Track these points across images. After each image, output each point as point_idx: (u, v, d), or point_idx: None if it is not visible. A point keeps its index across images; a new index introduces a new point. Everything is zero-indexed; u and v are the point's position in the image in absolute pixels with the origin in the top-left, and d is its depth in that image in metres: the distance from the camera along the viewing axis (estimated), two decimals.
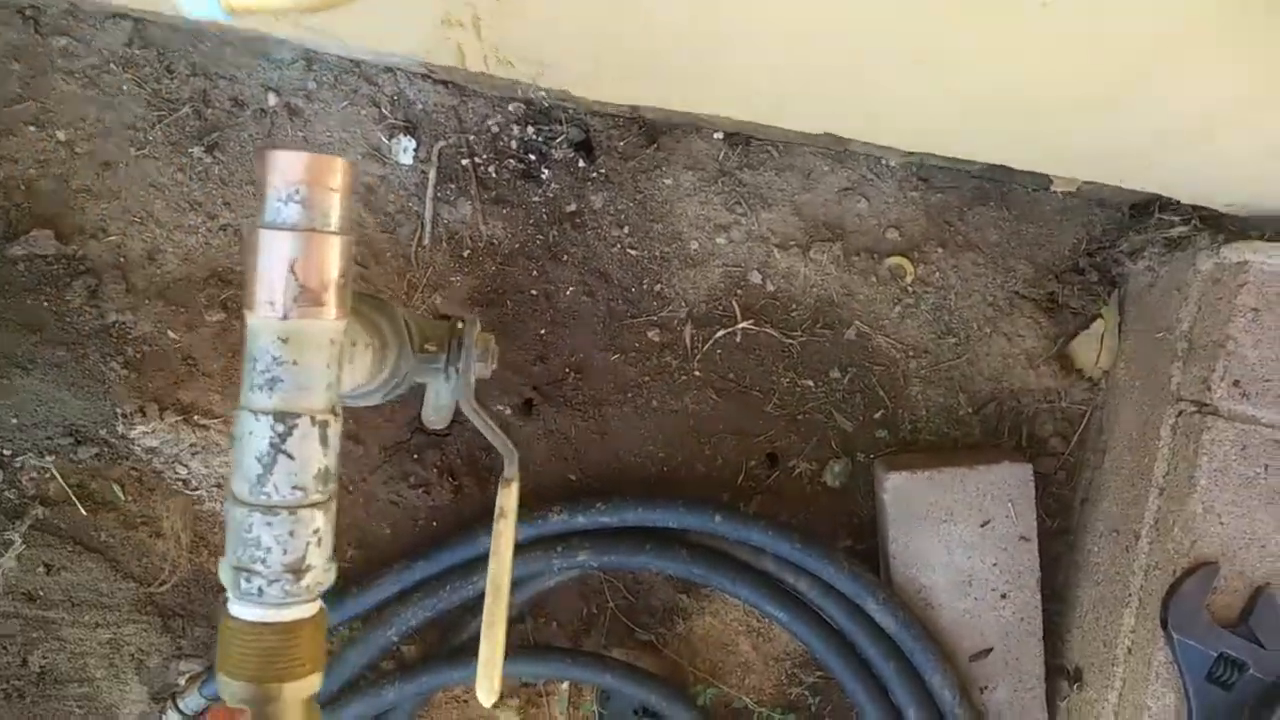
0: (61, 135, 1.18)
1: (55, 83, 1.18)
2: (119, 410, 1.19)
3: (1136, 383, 1.17)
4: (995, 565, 1.18)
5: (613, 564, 1.19)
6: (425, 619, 1.19)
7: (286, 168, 0.56)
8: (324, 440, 0.59)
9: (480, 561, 1.19)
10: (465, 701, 1.28)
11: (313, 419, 0.58)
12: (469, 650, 1.21)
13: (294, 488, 0.58)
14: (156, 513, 1.22)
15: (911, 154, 1.22)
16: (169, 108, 1.19)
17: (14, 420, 1.18)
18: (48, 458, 1.19)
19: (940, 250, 1.27)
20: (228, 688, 0.59)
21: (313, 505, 0.59)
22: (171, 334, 1.20)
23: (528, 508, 1.22)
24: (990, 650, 1.20)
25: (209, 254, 1.20)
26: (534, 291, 1.25)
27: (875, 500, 1.24)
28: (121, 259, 1.19)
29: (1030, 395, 1.27)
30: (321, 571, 0.61)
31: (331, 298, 0.58)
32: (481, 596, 1.19)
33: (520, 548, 1.20)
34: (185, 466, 1.22)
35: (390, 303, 0.76)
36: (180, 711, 1.22)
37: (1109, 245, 1.26)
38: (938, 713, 1.17)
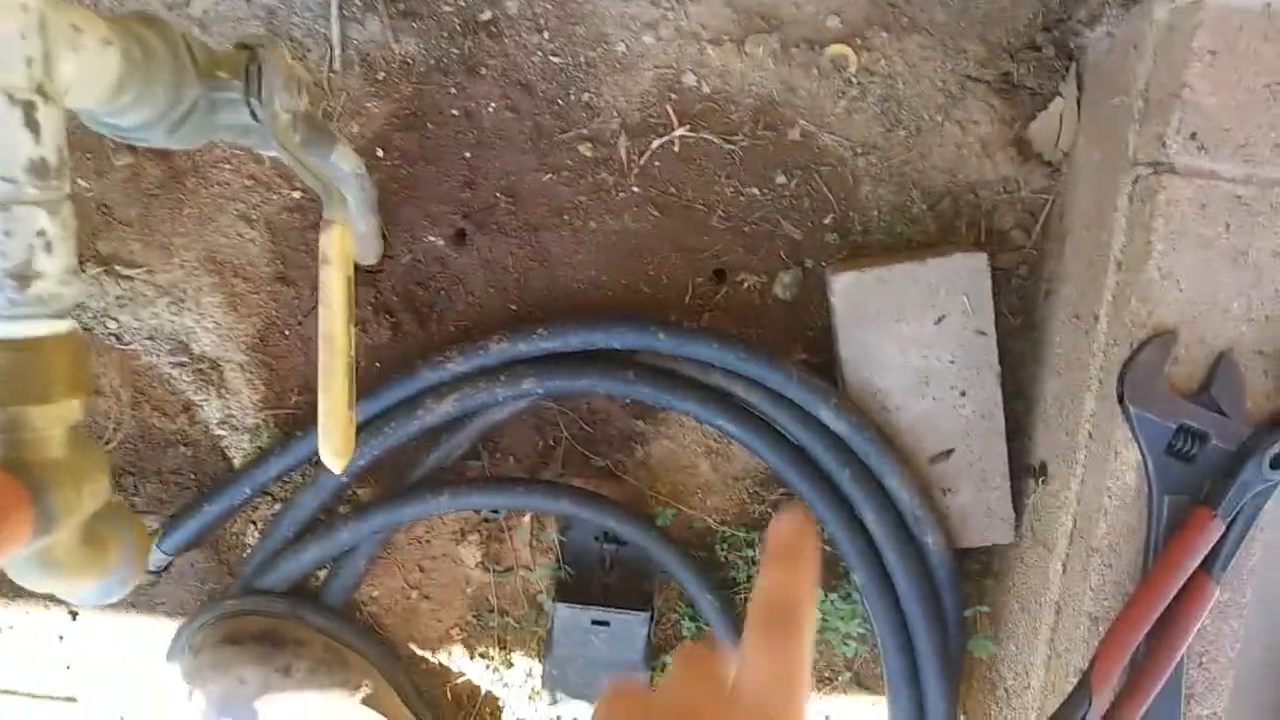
0: None
1: None
2: None
3: (1095, 157, 1.10)
4: (953, 362, 1.14)
5: (558, 389, 1.16)
6: (373, 458, 1.17)
7: None
8: (30, 124, 0.54)
9: (424, 396, 1.17)
10: (427, 541, 1.27)
11: (12, 98, 0.53)
12: (422, 487, 1.20)
13: (2, 178, 0.54)
14: (92, 369, 1.19)
15: None
16: None
17: None
18: None
19: (884, 35, 1.18)
20: None
21: (29, 202, 0.55)
22: (81, 182, 1.15)
23: (467, 339, 1.18)
24: (952, 451, 1.16)
25: None
26: (454, 111, 1.18)
27: (828, 309, 1.19)
28: None
29: (988, 187, 1.20)
30: (56, 281, 0.57)
31: None
32: (431, 430, 1.18)
33: (464, 379, 1.17)
34: (115, 320, 1.18)
35: (166, 20, 0.69)
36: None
37: (1066, 17, 1.16)
38: (897, 515, 1.14)
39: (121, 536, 0.67)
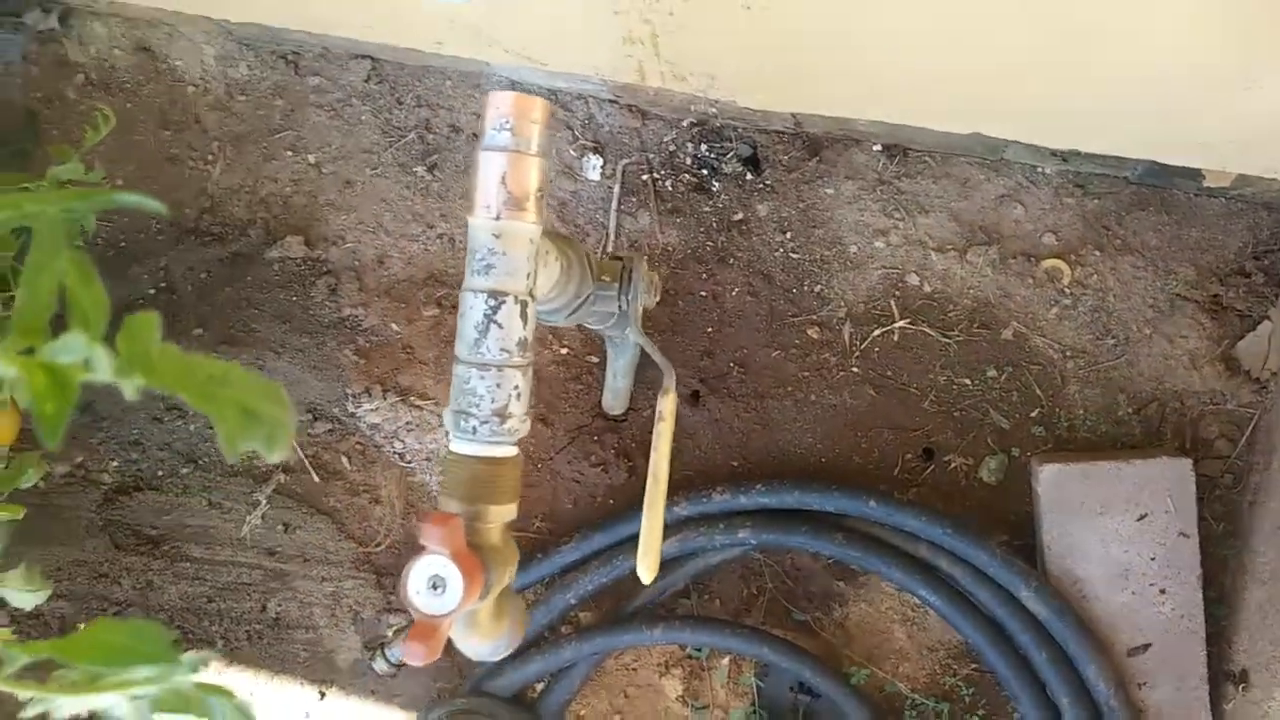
0: (312, 158, 1.41)
1: (308, 114, 1.42)
2: (349, 391, 1.39)
3: None
4: (1153, 560, 1.19)
5: (771, 543, 1.28)
6: (601, 585, 1.32)
7: (500, 103, 0.73)
8: (523, 316, 0.75)
9: None
10: (634, 669, 1.39)
11: (515, 298, 0.74)
12: (639, 618, 1.33)
13: (501, 349, 0.74)
14: (376, 482, 1.41)
15: (1064, 154, 1.28)
16: (398, 134, 1.40)
17: None
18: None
19: (1098, 254, 1.30)
20: (446, 504, 0.75)
21: (514, 366, 0.75)
22: (394, 326, 1.39)
23: (693, 488, 1.33)
24: (1149, 646, 1.20)
25: (428, 259, 1.39)
26: (703, 293, 1.37)
27: (1030, 493, 1.27)
28: (356, 262, 1.40)
29: (1194, 397, 1.28)
30: (518, 421, 0.76)
31: (531, 205, 0.74)
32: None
33: (687, 523, 1.31)
34: (401, 441, 1.40)
35: (576, 240, 0.91)
36: (387, 659, 1.38)
37: (1276, 248, 1.26)
38: (1093, 705, 1.18)
39: (513, 611, 0.83)
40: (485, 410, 0.74)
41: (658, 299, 0.97)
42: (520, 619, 0.80)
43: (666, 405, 0.93)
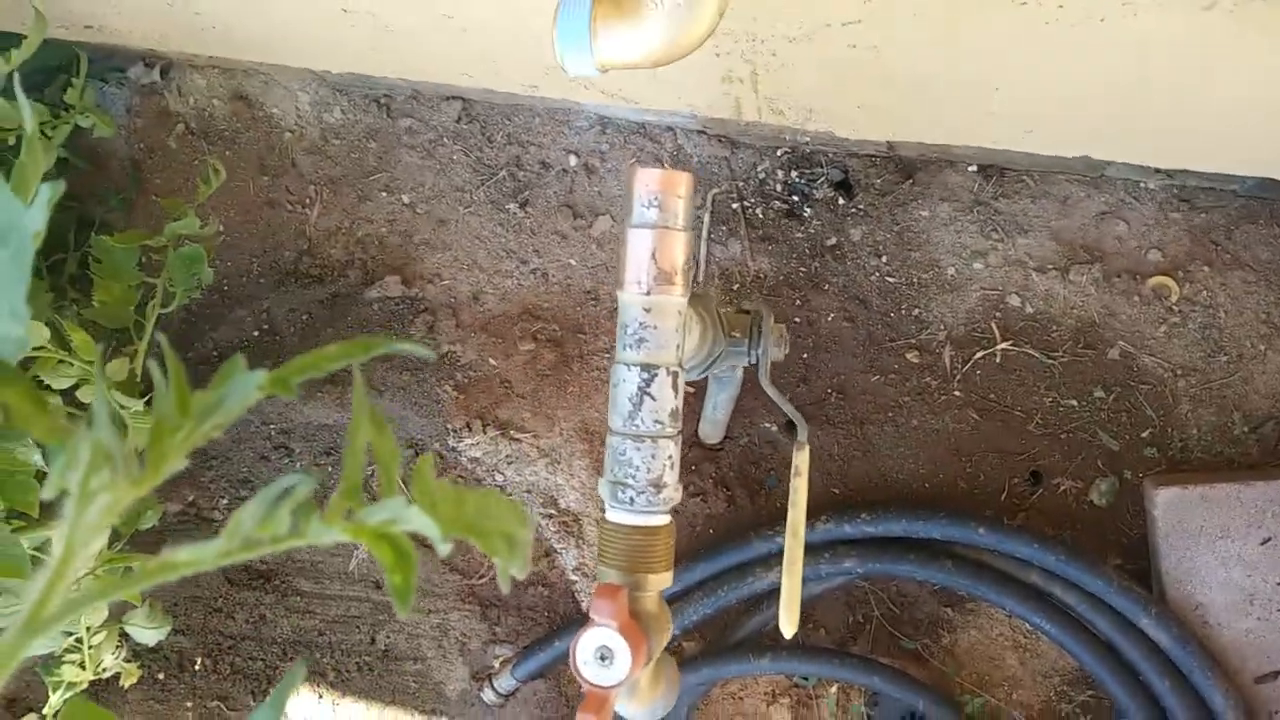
0: (406, 198, 1.44)
1: (401, 156, 1.45)
2: (449, 426, 1.41)
3: None
4: (1279, 585, 1.16)
5: (877, 572, 1.27)
6: (705, 616, 1.32)
7: (648, 180, 0.74)
8: (674, 387, 0.76)
9: (754, 564, 1.31)
10: (740, 698, 1.39)
11: (667, 370, 0.75)
12: (745, 646, 1.33)
13: (655, 421, 0.75)
14: None
15: (1169, 171, 1.25)
16: (489, 172, 1.42)
17: None
18: None
19: (1206, 269, 1.27)
20: (606, 575, 0.77)
21: (667, 437, 0.76)
22: (491, 361, 1.41)
23: None
24: (1278, 674, 1.17)
25: (521, 294, 1.41)
26: (797, 319, 1.36)
27: (1145, 518, 1.25)
28: (452, 299, 1.42)
29: None
30: (673, 489, 0.77)
31: (679, 279, 0.75)
32: (756, 596, 1.32)
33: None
34: (502, 474, 1.42)
35: (710, 297, 0.91)
36: (495, 690, 1.40)
37: None
38: None
39: (668, 674, 0.84)
40: (641, 481, 0.75)
41: (786, 351, 0.97)
42: (674, 681, 0.81)
43: (802, 460, 0.93)
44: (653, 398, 0.75)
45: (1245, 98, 0.94)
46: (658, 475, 0.75)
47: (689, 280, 0.77)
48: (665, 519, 0.77)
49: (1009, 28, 0.84)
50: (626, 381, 0.75)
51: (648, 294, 0.74)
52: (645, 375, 0.75)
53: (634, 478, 0.75)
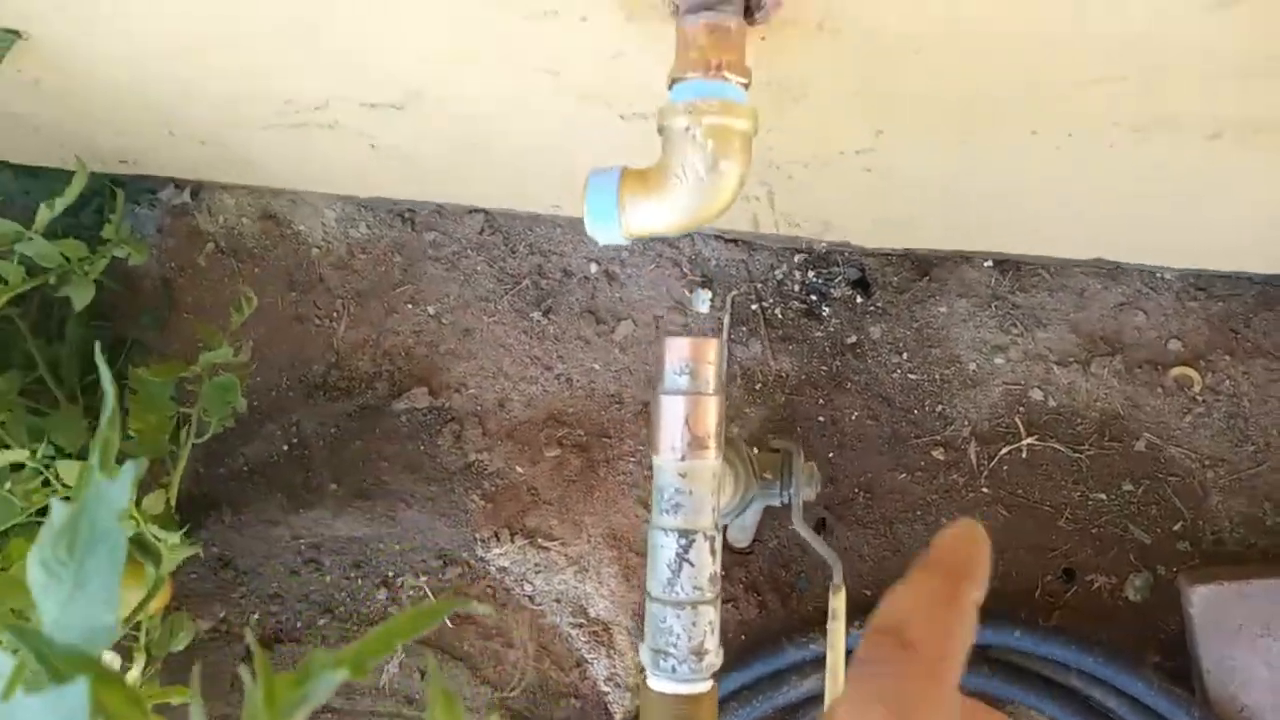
0: (431, 310, 1.47)
1: (426, 268, 1.48)
2: (477, 535, 1.42)
3: None
4: None
5: None
6: None
7: (678, 349, 0.75)
8: (712, 551, 0.76)
9: (789, 672, 1.30)
10: None
11: (704, 535, 0.75)
12: None
13: (694, 587, 0.75)
14: (508, 625, 1.42)
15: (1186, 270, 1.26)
16: (512, 281, 1.45)
17: (397, 546, 1.44)
18: (422, 578, 1.43)
19: (1228, 358, 1.27)
20: None
21: (707, 602, 0.76)
22: (518, 469, 1.42)
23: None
24: None
25: (547, 399, 1.43)
26: (821, 418, 1.37)
27: (1182, 615, 1.23)
28: (479, 408, 1.44)
29: None
30: (715, 655, 0.77)
31: (712, 442, 0.76)
32: (792, 705, 1.30)
33: (818, 662, 1.29)
34: (530, 584, 1.42)
35: (739, 441, 0.92)
36: None
37: None
38: None
39: None
40: (683, 649, 0.76)
41: (819, 489, 0.98)
42: None
43: (839, 603, 0.93)
44: (691, 564, 0.75)
45: (1250, 213, 0.96)
46: (699, 642, 0.76)
47: (721, 442, 0.78)
48: (708, 685, 0.78)
49: (1021, 153, 0.86)
50: (664, 548, 0.76)
51: (682, 459, 0.76)
52: (683, 541, 0.75)
53: (675, 645, 0.76)
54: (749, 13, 0.62)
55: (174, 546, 1.06)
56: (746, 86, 0.60)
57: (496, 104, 0.90)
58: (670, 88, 0.60)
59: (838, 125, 0.83)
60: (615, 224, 0.59)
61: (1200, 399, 1.28)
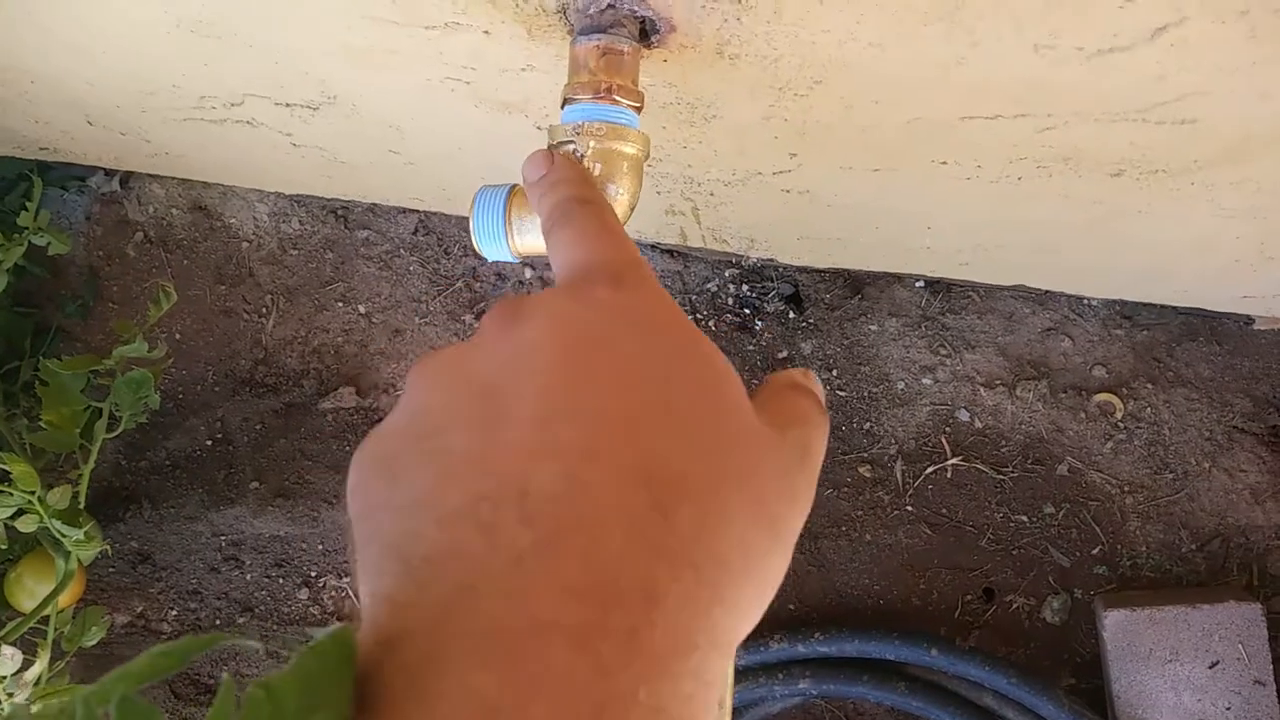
0: (362, 309, 1.45)
1: (358, 266, 1.46)
2: None
3: None
4: (1229, 710, 1.16)
5: (832, 693, 1.26)
6: None
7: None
8: None
9: None
10: None
11: None
12: None
13: None
14: None
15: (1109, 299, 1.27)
16: (446, 283, 1.43)
17: (320, 546, 1.42)
18: (344, 579, 1.41)
19: (1150, 386, 1.29)
20: None
21: None
22: None
23: (751, 637, 1.31)
24: None
25: None
26: None
27: (1097, 638, 1.24)
28: None
29: (1258, 532, 1.25)
30: None
31: None
32: None
33: (746, 673, 1.29)
34: None
35: None
36: None
37: None
38: None
39: None
40: None
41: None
42: None
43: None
44: None
45: (1161, 248, 0.97)
46: None
47: None
48: None
49: (932, 182, 0.86)
50: None
51: None
52: None
53: None
54: (645, 36, 0.61)
55: (78, 542, 1.03)
56: (639, 110, 0.59)
57: (413, 109, 0.88)
58: (562, 107, 0.59)
59: (754, 146, 0.83)
60: (503, 243, 0.58)
61: (1122, 425, 1.29)
